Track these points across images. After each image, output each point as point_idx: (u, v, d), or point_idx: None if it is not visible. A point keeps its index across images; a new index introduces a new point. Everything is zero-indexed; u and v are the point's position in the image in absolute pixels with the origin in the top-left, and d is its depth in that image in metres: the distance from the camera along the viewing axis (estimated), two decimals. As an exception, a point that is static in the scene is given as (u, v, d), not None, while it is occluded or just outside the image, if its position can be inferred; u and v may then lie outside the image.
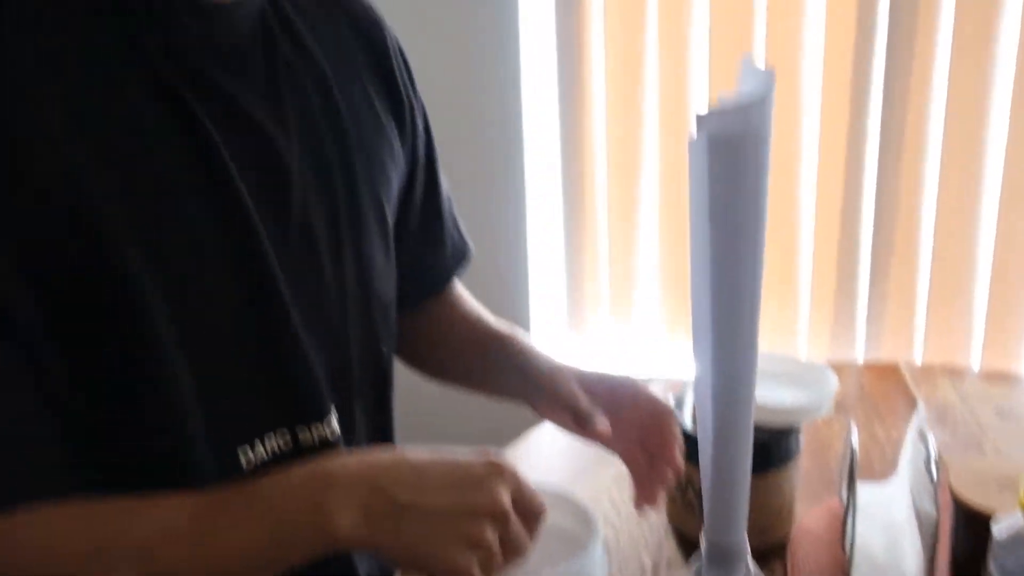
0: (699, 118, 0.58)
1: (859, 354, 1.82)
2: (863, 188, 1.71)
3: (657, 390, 0.92)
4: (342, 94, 0.82)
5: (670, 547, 1.01)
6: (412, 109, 0.92)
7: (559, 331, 1.99)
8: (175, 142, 0.69)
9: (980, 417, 1.29)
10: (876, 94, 1.66)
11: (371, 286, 0.85)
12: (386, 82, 0.89)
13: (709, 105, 0.67)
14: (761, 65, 0.63)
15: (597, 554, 0.78)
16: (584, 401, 0.90)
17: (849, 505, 0.90)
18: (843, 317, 1.79)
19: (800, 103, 1.70)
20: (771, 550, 0.96)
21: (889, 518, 0.96)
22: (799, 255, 1.79)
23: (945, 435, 1.23)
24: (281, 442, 0.76)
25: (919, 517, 0.90)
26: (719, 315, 0.63)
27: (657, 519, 1.04)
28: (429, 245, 0.99)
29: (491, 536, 0.64)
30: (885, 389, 1.39)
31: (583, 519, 0.81)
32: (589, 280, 1.93)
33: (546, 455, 1.21)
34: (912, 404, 1.30)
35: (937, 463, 0.87)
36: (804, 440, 0.99)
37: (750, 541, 0.72)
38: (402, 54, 0.92)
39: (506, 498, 0.65)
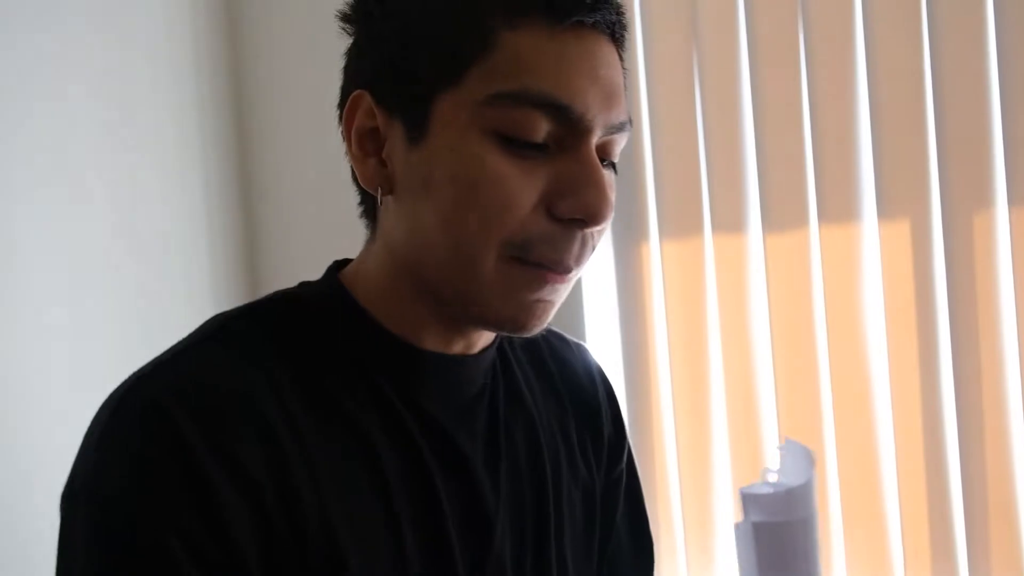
0: (744, 496, 0.64)
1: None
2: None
3: None
4: (548, 449, 0.85)
5: None
6: (616, 461, 0.92)
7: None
8: (405, 485, 0.74)
9: None
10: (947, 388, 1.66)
11: None
12: (594, 443, 0.91)
13: (754, 482, 0.72)
14: (803, 444, 0.69)
15: None
16: None
17: None
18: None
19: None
20: None
21: None
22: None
23: None
24: None
25: None
26: None
27: None
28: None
29: None
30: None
31: None
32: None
33: None
34: None
35: None
36: None
37: None
38: (612, 406, 0.94)
39: None
